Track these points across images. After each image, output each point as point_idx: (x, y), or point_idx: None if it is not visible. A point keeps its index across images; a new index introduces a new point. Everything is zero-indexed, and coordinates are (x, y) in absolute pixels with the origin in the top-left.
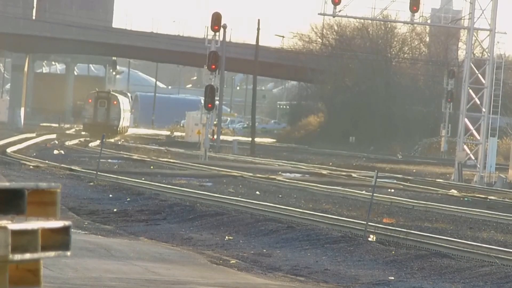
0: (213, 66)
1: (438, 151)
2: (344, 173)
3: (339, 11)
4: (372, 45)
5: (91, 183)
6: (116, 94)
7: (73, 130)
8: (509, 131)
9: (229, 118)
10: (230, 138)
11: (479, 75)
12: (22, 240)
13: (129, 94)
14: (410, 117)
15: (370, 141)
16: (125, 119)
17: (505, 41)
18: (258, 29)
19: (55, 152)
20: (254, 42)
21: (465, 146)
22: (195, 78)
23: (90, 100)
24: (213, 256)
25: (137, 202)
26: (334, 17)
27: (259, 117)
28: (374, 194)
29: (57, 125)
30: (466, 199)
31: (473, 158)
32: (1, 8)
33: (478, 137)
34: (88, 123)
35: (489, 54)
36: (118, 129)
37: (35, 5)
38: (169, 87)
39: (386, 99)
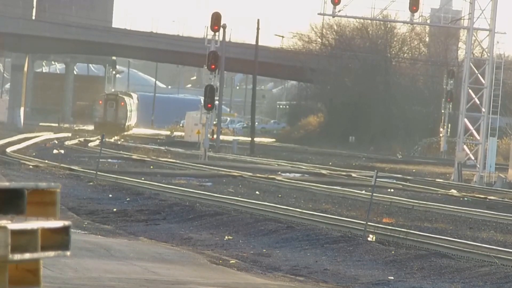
0: (213, 66)
1: (438, 151)
2: (343, 173)
3: (339, 11)
4: (371, 45)
5: (91, 183)
6: (123, 96)
7: (73, 130)
8: (508, 131)
9: (228, 118)
10: (229, 138)
11: (479, 75)
12: (22, 240)
13: (134, 95)
14: (409, 117)
15: (369, 141)
16: (131, 118)
17: (504, 41)
18: (258, 29)
19: (55, 151)
20: (253, 42)
21: (464, 146)
22: (194, 78)
23: (100, 102)
24: (212, 256)
25: (137, 202)
26: (333, 17)
27: (259, 117)
28: (374, 194)
29: (56, 124)
30: (465, 199)
31: (472, 158)
32: (1, 8)
33: (478, 137)
34: (98, 122)
35: (488, 54)
36: (125, 127)
37: (34, 5)
38: (169, 87)
39: (386, 99)
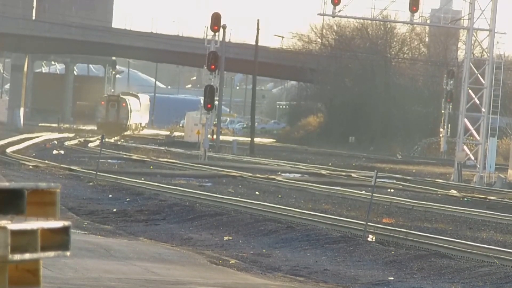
0: (213, 66)
1: (438, 151)
2: (343, 173)
3: (339, 11)
4: (371, 45)
5: (91, 183)
6: (125, 97)
7: (75, 130)
8: (508, 131)
9: (228, 118)
10: (229, 138)
11: (479, 75)
12: (22, 240)
13: (145, 96)
14: (409, 117)
15: (369, 141)
16: (133, 118)
17: (504, 41)
18: (258, 29)
19: (55, 152)
20: (253, 42)
21: (464, 146)
22: (194, 78)
23: (102, 103)
24: (212, 256)
25: (137, 202)
26: (333, 17)
27: (259, 117)
28: (374, 194)
29: (56, 125)
30: (465, 199)
31: (472, 158)
32: (0, 8)
33: (478, 137)
34: (101, 122)
35: (488, 54)
36: (127, 126)
37: (34, 5)
38: (169, 87)
39: (386, 99)
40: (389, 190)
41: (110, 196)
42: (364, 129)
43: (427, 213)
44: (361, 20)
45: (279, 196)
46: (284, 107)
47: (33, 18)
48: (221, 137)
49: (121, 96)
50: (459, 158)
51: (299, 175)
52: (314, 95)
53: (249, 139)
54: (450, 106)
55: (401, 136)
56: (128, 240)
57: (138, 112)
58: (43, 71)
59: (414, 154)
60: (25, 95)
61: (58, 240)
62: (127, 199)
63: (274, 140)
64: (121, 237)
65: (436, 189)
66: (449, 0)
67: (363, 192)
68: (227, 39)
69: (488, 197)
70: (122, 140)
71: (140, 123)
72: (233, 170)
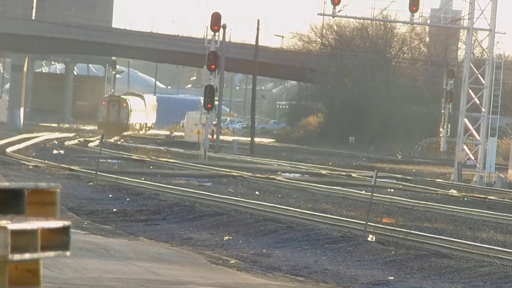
0: (213, 66)
1: (438, 151)
2: (343, 173)
3: (339, 11)
4: (371, 45)
5: (91, 183)
6: (126, 97)
7: (76, 130)
8: (508, 131)
9: (228, 118)
10: (229, 138)
11: (479, 75)
12: (22, 240)
13: (151, 96)
14: (409, 117)
15: (369, 141)
16: (135, 118)
17: (504, 41)
18: (258, 29)
19: (55, 152)
20: (253, 42)
21: (464, 146)
22: (194, 78)
23: (104, 103)
24: (212, 256)
25: (137, 202)
26: (333, 17)
27: (259, 117)
28: (374, 194)
29: (56, 125)
30: (465, 199)
31: (472, 158)
32: (0, 8)
33: (478, 137)
34: (102, 122)
35: (488, 54)
36: (127, 126)
37: (34, 5)
38: (169, 87)
39: (386, 99)
40: (389, 190)
41: (110, 196)
42: (364, 129)
43: (427, 213)
44: (361, 20)
45: (279, 196)
46: (284, 107)
47: (33, 18)
48: (221, 137)
49: (121, 96)
50: (459, 158)
51: (299, 175)
52: (314, 95)
53: (249, 139)
54: (450, 106)
55: (401, 136)
56: (128, 240)
57: (143, 112)
58: (43, 71)
59: (414, 154)
60: (25, 95)
61: (58, 240)
62: (127, 199)
63: (274, 140)
64: (121, 237)
65: (436, 189)
66: (449, 0)
67: (363, 192)
68: (227, 39)
69: (488, 197)
70: (122, 140)
71: (146, 123)
72: (233, 170)
